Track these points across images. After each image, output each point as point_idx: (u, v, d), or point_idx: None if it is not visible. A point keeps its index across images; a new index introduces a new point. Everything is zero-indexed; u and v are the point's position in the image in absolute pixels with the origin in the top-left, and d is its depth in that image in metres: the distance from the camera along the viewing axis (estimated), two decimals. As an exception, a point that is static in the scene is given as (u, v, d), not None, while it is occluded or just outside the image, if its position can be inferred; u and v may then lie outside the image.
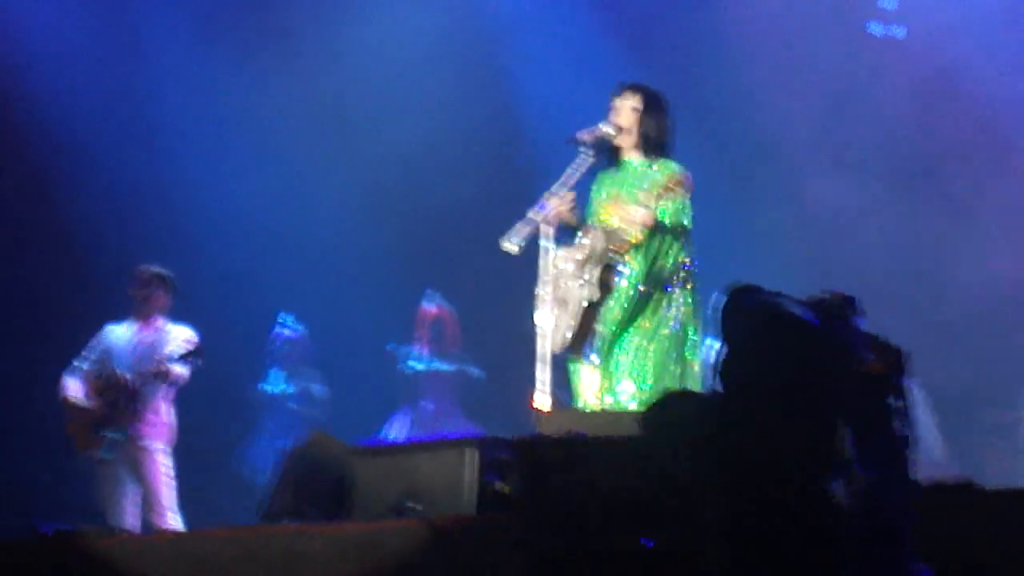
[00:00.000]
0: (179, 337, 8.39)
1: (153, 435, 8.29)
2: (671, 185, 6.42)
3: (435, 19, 10.76)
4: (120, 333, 8.52)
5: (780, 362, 3.74)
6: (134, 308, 8.54)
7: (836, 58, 10.52)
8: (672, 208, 6.52)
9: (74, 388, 8.39)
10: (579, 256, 6.64)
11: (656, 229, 6.50)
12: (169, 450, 8.35)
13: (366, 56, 10.83)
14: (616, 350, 6.51)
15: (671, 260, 6.56)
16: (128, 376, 8.25)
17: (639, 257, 6.55)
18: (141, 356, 8.36)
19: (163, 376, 8.26)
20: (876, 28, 10.78)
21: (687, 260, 6.60)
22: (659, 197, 6.43)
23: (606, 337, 6.54)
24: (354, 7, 10.97)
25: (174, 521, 8.19)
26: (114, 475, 8.26)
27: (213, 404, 9.96)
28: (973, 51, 10.12)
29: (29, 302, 10.56)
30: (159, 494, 8.25)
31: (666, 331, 6.50)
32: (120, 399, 8.24)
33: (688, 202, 6.59)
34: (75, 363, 8.47)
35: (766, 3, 10.49)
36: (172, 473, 8.33)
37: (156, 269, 8.57)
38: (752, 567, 3.69)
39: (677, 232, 6.57)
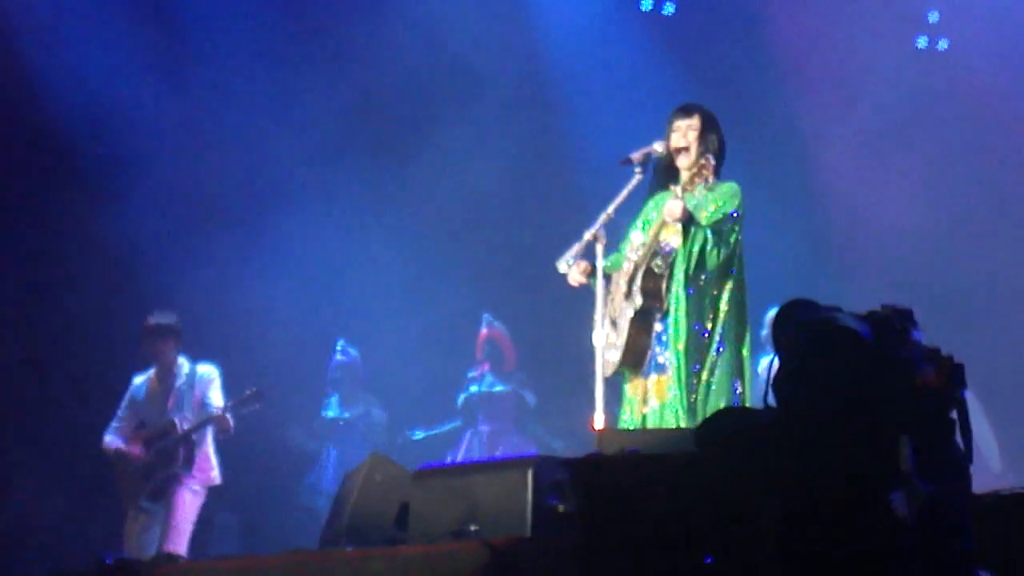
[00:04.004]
0: (208, 377, 8.45)
1: (199, 478, 8.33)
2: (695, 170, 6.33)
3: (487, 44, 10.77)
4: (145, 383, 8.60)
5: (837, 377, 3.74)
6: (150, 358, 8.60)
7: (887, 78, 10.50)
8: (707, 196, 6.34)
9: (115, 443, 8.50)
10: (626, 275, 6.62)
11: (691, 223, 6.31)
12: (205, 491, 8.38)
13: (418, 82, 10.87)
14: (676, 364, 6.36)
15: (713, 259, 6.36)
16: (178, 422, 8.29)
17: (680, 259, 6.38)
18: (178, 402, 8.40)
19: (220, 424, 8.30)
20: (922, 42, 10.77)
21: (733, 261, 6.43)
22: (684, 187, 6.33)
23: (665, 354, 6.41)
24: (404, 22, 10.98)
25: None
26: (149, 522, 8.31)
27: (275, 437, 10.03)
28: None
29: (88, 321, 10.60)
30: (180, 530, 8.25)
31: (716, 352, 6.39)
32: (172, 445, 8.29)
33: (725, 187, 6.39)
34: (113, 423, 8.59)
35: (817, 24, 10.48)
36: (196, 516, 8.34)
37: (159, 319, 8.59)
38: (812, 583, 3.68)
39: (717, 223, 6.35)
